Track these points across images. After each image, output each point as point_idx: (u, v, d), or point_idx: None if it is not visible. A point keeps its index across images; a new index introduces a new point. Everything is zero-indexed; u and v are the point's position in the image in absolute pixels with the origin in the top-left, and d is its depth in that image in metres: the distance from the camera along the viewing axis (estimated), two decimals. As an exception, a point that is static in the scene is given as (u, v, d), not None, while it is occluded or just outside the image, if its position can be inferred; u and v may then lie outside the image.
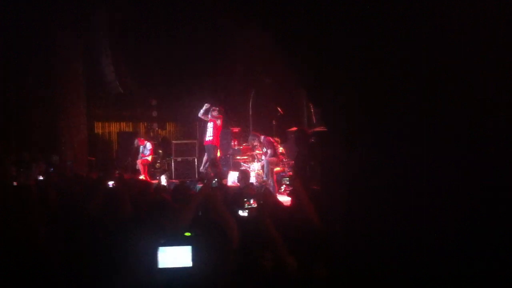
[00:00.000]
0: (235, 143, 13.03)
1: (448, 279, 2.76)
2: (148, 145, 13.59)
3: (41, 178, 9.28)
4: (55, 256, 3.09)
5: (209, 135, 11.77)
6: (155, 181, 11.40)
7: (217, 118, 11.64)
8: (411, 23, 3.01)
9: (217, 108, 11.81)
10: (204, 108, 11.97)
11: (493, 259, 2.61)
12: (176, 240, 2.86)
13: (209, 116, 11.86)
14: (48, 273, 2.94)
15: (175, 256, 2.80)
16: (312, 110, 11.59)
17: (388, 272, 3.02)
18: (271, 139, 11.03)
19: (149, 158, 13.53)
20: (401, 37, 3.12)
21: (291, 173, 10.93)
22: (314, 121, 11.43)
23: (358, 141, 3.74)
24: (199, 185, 10.74)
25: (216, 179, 5.48)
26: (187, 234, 3.10)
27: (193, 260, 2.81)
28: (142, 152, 13.55)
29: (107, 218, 3.49)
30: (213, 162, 11.14)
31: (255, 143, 11.25)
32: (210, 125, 11.78)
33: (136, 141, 13.89)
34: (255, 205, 4.21)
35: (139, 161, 13.35)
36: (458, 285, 2.73)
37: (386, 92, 3.37)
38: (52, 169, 11.37)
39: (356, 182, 3.79)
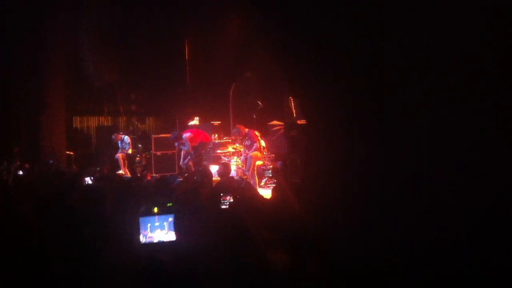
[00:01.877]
0: (216, 136, 12.99)
1: (445, 278, 2.77)
2: (126, 139, 13.43)
3: (21, 173, 9.18)
4: (38, 247, 3.06)
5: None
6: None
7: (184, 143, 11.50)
8: (406, 18, 3.00)
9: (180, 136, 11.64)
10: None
11: (493, 259, 2.61)
12: (158, 209, 2.79)
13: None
14: (32, 264, 2.91)
15: (157, 230, 2.74)
16: (292, 104, 11.60)
17: (375, 266, 3.02)
18: (255, 133, 10.99)
19: (129, 151, 13.43)
20: (390, 32, 3.11)
21: (272, 166, 10.96)
22: (295, 115, 11.44)
23: (339, 134, 3.75)
24: (180, 179, 10.70)
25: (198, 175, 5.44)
26: (169, 204, 3.04)
27: (177, 233, 2.75)
28: (122, 147, 13.41)
29: (86, 213, 3.46)
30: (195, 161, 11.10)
31: (239, 136, 11.20)
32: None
33: (113, 137, 13.74)
34: (232, 200, 4.17)
35: (119, 155, 13.22)
36: (458, 284, 2.73)
37: (372, 87, 3.37)
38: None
39: (337, 174, 3.80)
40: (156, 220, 2.77)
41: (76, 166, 10.76)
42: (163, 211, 2.78)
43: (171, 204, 2.87)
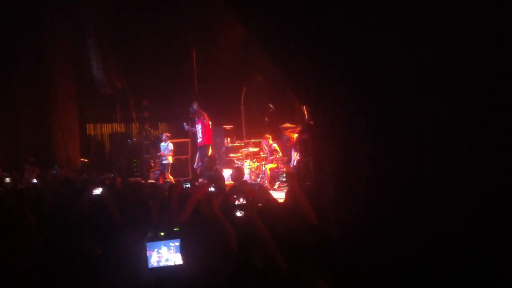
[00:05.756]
0: (228, 140, 12.97)
1: (446, 278, 2.74)
2: (170, 146, 12.93)
3: (35, 181, 9.17)
4: (46, 258, 3.05)
5: (199, 136, 11.54)
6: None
7: (200, 117, 11.38)
8: (404, 18, 2.98)
9: (194, 107, 11.53)
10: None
11: (493, 259, 2.59)
12: (164, 234, 2.77)
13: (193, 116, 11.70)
14: (37, 275, 2.90)
15: (165, 255, 2.73)
16: (304, 106, 11.52)
17: (386, 271, 3.00)
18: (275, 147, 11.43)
19: (170, 158, 12.81)
20: (393, 32, 3.08)
21: (285, 169, 10.94)
22: (306, 117, 11.37)
23: (348, 136, 3.71)
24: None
25: (213, 185, 5.38)
26: (176, 229, 3.02)
27: (184, 257, 2.73)
28: (165, 153, 12.97)
29: (93, 223, 3.44)
30: (207, 165, 11.00)
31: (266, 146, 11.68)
32: (198, 127, 11.56)
33: (164, 136, 13.36)
34: (244, 202, 4.13)
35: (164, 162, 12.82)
36: (457, 284, 2.71)
37: (376, 87, 3.34)
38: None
39: (348, 177, 3.76)
40: (163, 244, 2.76)
41: (87, 174, 10.72)
42: (170, 236, 2.78)
43: (177, 229, 2.86)
